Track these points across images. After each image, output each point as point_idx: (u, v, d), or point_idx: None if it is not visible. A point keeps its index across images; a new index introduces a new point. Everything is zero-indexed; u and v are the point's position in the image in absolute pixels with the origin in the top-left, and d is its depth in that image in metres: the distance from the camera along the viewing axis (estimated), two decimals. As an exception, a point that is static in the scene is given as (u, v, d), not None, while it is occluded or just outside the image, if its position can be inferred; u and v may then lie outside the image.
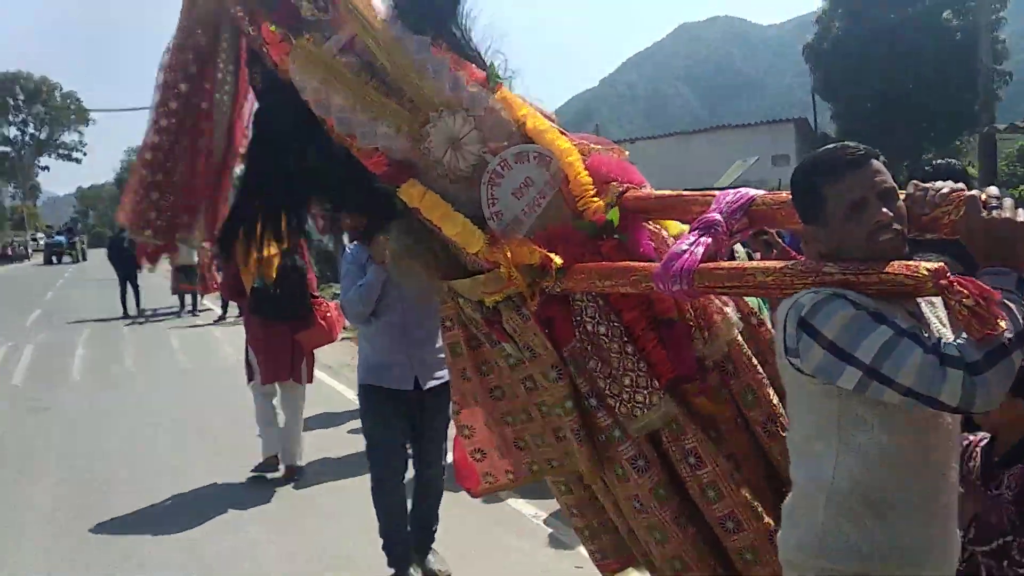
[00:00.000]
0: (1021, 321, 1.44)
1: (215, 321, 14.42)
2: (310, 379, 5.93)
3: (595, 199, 2.33)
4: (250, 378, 5.80)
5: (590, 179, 2.37)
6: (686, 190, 2.48)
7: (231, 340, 11.22)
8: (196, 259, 13.83)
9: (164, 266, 17.69)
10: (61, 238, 40.58)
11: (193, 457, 6.40)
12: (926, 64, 26.77)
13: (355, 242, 4.12)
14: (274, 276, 5.37)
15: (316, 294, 5.81)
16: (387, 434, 4.01)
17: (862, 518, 1.58)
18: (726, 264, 1.87)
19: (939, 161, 2.83)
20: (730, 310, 2.29)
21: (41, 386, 9.48)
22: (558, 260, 2.21)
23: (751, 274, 1.77)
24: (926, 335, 1.50)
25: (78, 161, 65.62)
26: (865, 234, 1.59)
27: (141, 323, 15.10)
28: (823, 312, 1.53)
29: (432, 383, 3.99)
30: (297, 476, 5.65)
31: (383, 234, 2.97)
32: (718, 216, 1.92)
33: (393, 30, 2.38)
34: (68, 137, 64.75)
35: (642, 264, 2.12)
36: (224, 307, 14.53)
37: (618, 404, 2.24)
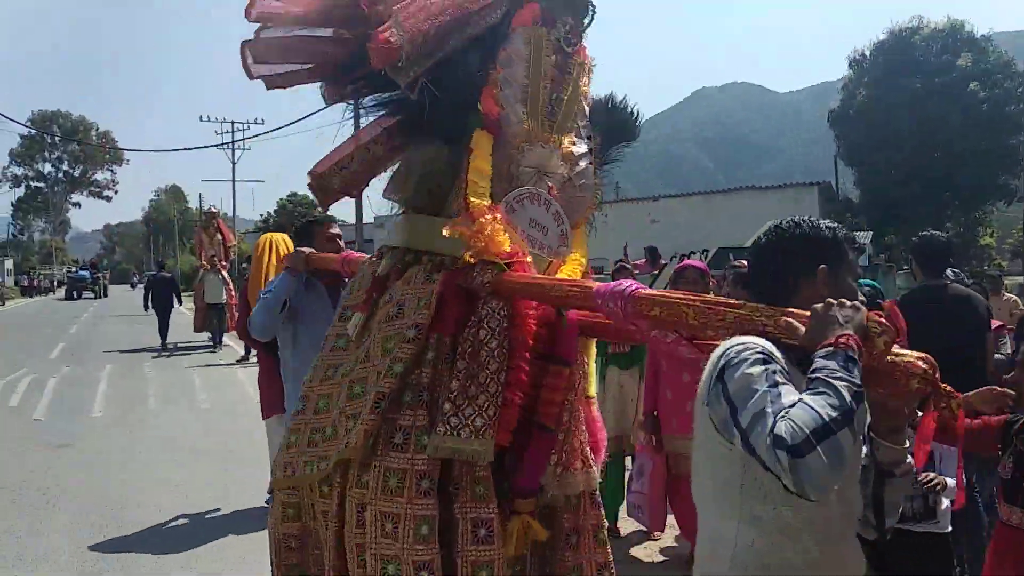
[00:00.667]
0: (848, 399, 1.36)
1: (237, 361, 14.31)
2: None
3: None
4: (266, 414, 5.74)
5: None
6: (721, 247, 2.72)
7: (252, 381, 11.04)
8: (224, 298, 13.84)
9: (189, 303, 17.82)
10: (84, 273, 41.00)
11: (215, 494, 6.28)
12: (951, 133, 26.88)
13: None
14: None
15: None
16: None
17: (777, 544, 1.57)
18: (661, 294, 1.96)
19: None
20: (595, 470, 2.32)
21: (63, 422, 9.33)
22: (502, 264, 2.22)
23: (682, 306, 1.84)
24: (797, 399, 1.41)
25: (108, 199, 66.92)
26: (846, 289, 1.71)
27: (167, 356, 15.28)
28: (737, 367, 1.51)
29: None
30: None
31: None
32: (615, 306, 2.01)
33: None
34: (101, 175, 66.19)
35: (585, 281, 2.27)
36: (247, 349, 14.40)
37: (454, 413, 2.11)
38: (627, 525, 5.62)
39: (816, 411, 1.34)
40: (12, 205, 63.77)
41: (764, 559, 1.56)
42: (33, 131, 58.54)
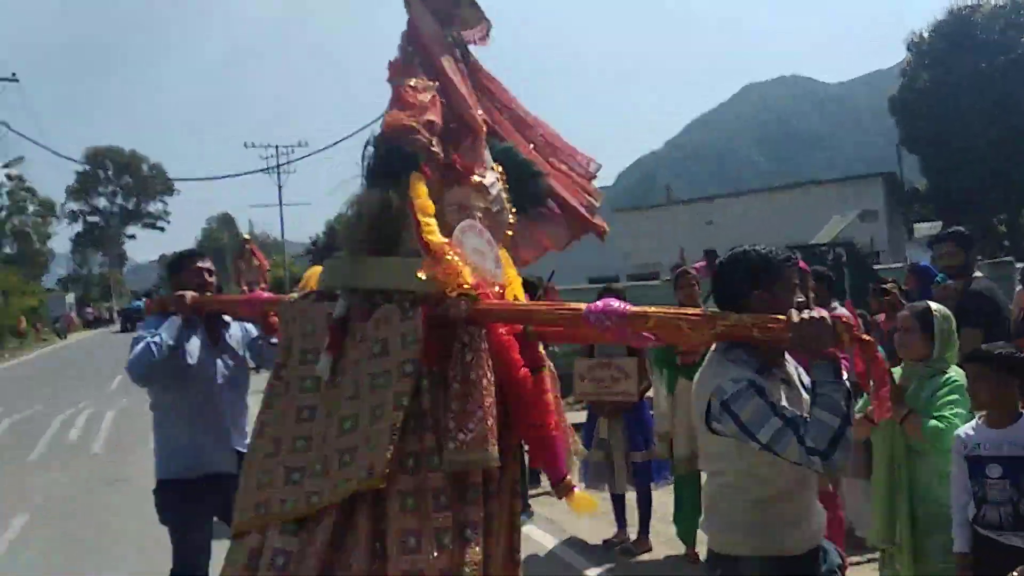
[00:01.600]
0: (843, 406, 2.09)
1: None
2: None
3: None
4: None
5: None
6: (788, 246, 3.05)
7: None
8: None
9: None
10: (139, 304, 42.05)
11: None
12: (1020, 112, 25.59)
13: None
14: None
15: None
16: (199, 538, 3.65)
17: (757, 509, 2.30)
18: (653, 310, 2.29)
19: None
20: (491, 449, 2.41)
21: (118, 456, 9.28)
22: (474, 294, 2.42)
23: (676, 319, 2.26)
24: (797, 414, 2.14)
25: (162, 230, 68.64)
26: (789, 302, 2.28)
27: None
28: (739, 401, 2.15)
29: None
30: None
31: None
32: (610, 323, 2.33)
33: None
34: (154, 207, 67.90)
35: (571, 304, 2.49)
36: None
37: (459, 429, 2.34)
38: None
39: (828, 425, 2.08)
40: (71, 241, 65.73)
41: (759, 503, 2.30)
42: (87, 167, 60.29)
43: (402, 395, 2.36)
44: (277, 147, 41.20)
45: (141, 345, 3.41)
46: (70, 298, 51.29)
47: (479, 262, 2.57)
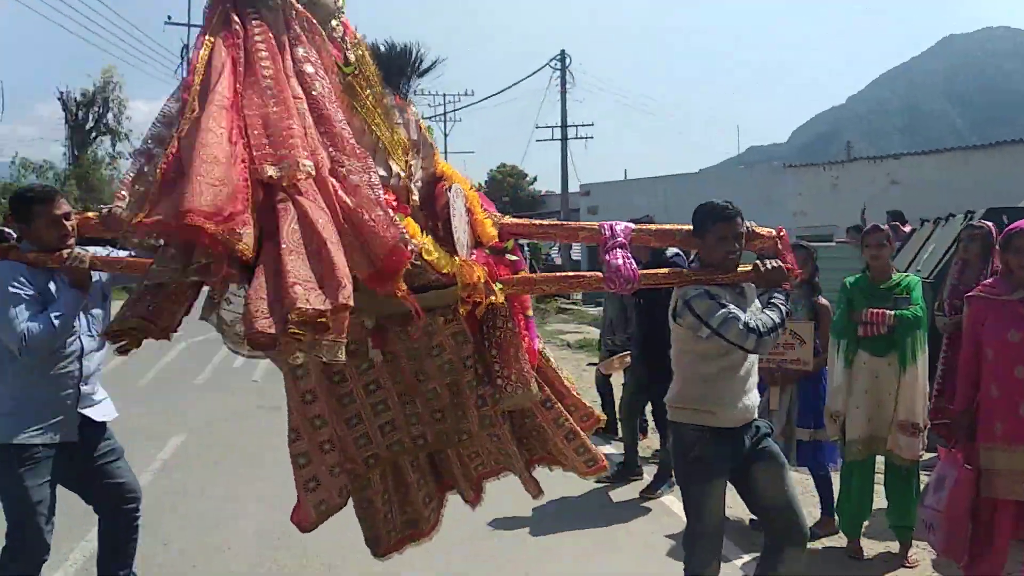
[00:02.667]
0: (783, 313, 3.10)
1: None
2: None
3: (492, 229, 2.97)
4: None
5: (483, 211, 2.98)
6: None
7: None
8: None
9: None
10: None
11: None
12: None
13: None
14: None
15: None
16: (39, 510, 3.16)
17: (700, 385, 3.23)
18: (651, 271, 3.09)
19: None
20: (534, 387, 2.94)
21: (276, 384, 9.56)
22: (497, 287, 2.79)
23: (664, 276, 3.18)
24: (743, 311, 3.09)
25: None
26: (723, 252, 3.09)
27: None
28: (696, 300, 3.05)
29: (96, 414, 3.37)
30: None
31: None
32: (622, 239, 2.94)
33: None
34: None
35: (589, 273, 3.08)
36: None
37: (505, 383, 2.86)
38: (874, 546, 4.59)
39: (772, 319, 3.06)
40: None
41: (702, 374, 3.21)
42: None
43: (472, 381, 3.00)
44: (444, 95, 41.72)
45: (44, 325, 3.07)
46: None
47: (462, 225, 2.81)
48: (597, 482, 5.95)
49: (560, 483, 5.86)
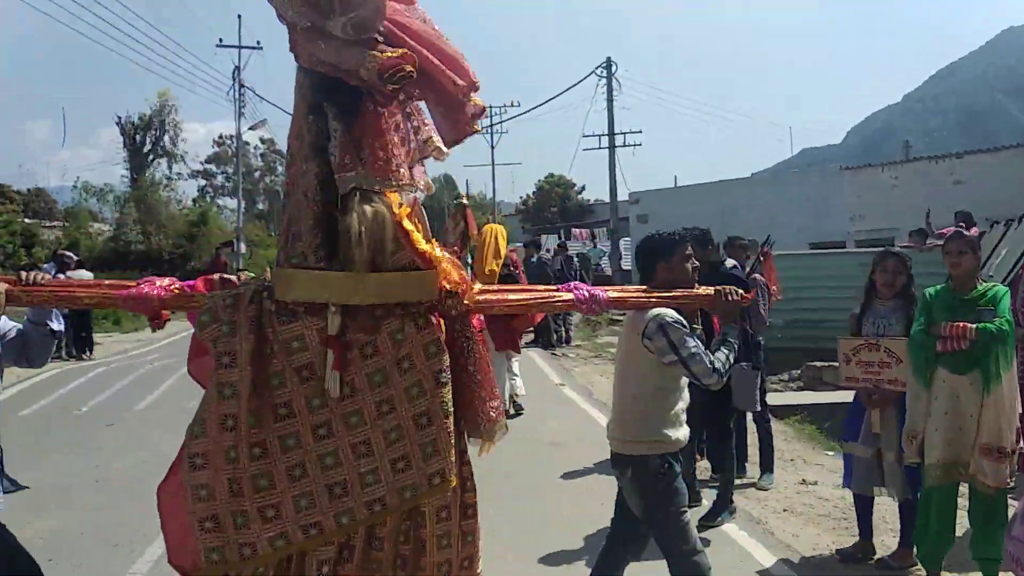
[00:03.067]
0: (735, 352, 3.28)
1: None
2: (517, 349, 8.77)
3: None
4: None
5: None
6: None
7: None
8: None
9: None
10: None
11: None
12: None
13: None
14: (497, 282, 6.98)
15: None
16: None
17: (663, 417, 3.30)
18: (619, 296, 3.09)
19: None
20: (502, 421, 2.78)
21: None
22: (476, 286, 2.76)
23: (633, 296, 3.13)
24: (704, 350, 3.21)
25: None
26: (689, 268, 3.38)
27: None
28: (672, 326, 3.16)
29: None
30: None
31: None
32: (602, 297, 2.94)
33: None
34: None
35: (557, 294, 2.89)
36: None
37: (489, 407, 2.70)
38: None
39: (728, 358, 3.22)
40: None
41: (663, 408, 3.30)
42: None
43: (446, 402, 2.52)
44: (490, 107, 41.74)
45: None
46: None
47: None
48: None
49: (606, 506, 5.59)
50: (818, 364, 10.90)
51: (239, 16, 30.66)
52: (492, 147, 42.32)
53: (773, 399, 9.24)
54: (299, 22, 2.39)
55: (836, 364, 10.51)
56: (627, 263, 27.41)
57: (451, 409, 2.53)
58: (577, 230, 34.25)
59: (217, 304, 2.47)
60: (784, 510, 5.62)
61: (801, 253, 15.41)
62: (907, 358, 4.35)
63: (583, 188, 44.82)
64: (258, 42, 31.26)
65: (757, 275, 6.48)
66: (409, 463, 2.49)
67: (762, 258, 6.55)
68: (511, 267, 9.52)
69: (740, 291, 3.15)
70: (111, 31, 72.47)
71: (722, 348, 3.22)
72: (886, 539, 5.00)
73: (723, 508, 5.34)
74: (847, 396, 6.79)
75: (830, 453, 7.16)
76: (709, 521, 5.29)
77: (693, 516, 5.39)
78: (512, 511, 5.45)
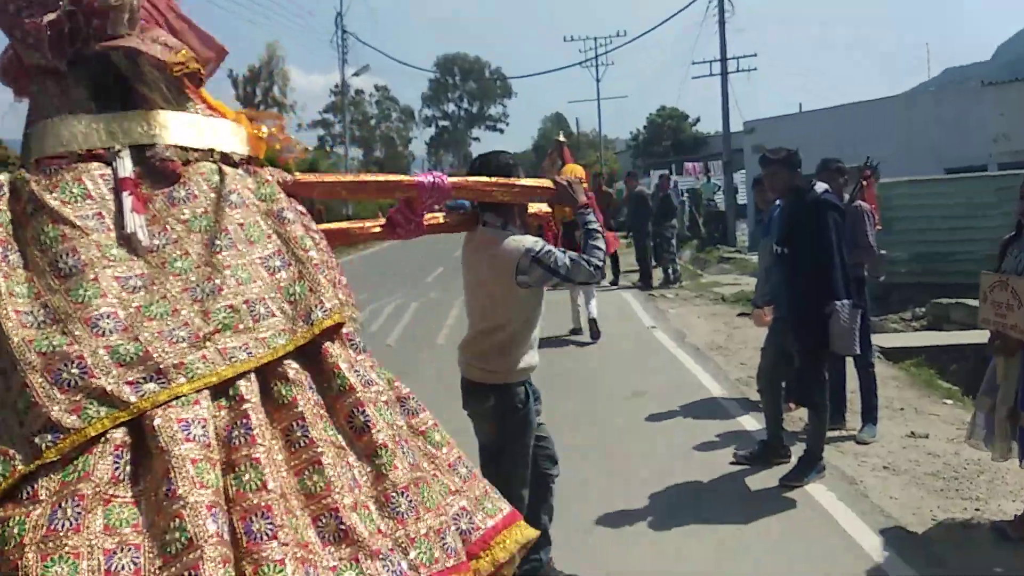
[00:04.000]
0: (602, 240, 3.28)
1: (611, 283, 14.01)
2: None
3: None
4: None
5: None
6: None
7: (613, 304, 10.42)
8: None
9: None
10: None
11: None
12: None
13: None
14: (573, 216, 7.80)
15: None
16: None
17: (525, 350, 3.28)
18: (457, 181, 2.80)
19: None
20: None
21: (409, 348, 9.39)
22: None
23: (469, 185, 2.92)
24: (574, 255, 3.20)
25: (501, 131, 73.01)
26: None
27: None
28: (542, 254, 3.10)
29: None
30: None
31: None
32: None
33: None
34: (494, 110, 72.06)
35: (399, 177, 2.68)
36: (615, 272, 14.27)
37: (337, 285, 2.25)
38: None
39: (601, 248, 3.24)
40: (426, 144, 72.11)
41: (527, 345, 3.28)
42: (437, 75, 65.62)
43: (304, 237, 2.10)
44: (596, 39, 40.30)
45: None
46: (424, 196, 56.33)
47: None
48: (732, 463, 5.14)
49: (685, 464, 5.11)
50: (944, 301, 9.79)
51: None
52: (597, 80, 40.93)
53: (888, 340, 8.37)
54: None
55: (965, 301, 9.47)
56: (742, 197, 25.98)
57: (319, 240, 2.14)
58: (689, 164, 32.77)
59: None
60: (884, 467, 4.96)
61: (927, 179, 13.95)
62: None
63: (698, 120, 42.85)
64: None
65: (861, 202, 5.71)
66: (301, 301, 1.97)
67: (863, 183, 5.76)
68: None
69: (578, 177, 3.35)
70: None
71: (590, 241, 3.23)
72: (1004, 504, 4.31)
73: (811, 465, 4.75)
74: (978, 336, 5.97)
75: (948, 402, 6.35)
76: (793, 480, 4.71)
77: (776, 472, 4.90)
78: (581, 465, 5.11)
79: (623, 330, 10.00)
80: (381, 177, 2.74)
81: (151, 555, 1.49)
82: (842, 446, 5.35)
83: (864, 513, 4.30)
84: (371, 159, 57.34)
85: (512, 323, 3.23)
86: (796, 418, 5.85)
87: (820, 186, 4.86)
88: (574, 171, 9.23)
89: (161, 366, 1.70)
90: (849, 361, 5.59)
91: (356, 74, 30.95)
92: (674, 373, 7.69)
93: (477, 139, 73.85)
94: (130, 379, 1.68)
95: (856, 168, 6.06)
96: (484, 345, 3.28)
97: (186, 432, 1.62)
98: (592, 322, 9.29)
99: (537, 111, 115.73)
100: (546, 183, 3.17)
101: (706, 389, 6.98)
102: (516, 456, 3.30)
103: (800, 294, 4.68)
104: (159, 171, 2.08)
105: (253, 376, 1.80)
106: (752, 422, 5.97)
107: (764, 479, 4.86)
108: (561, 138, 15.71)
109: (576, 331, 9.60)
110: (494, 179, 2.94)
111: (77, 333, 1.72)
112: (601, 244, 3.24)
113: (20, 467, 1.55)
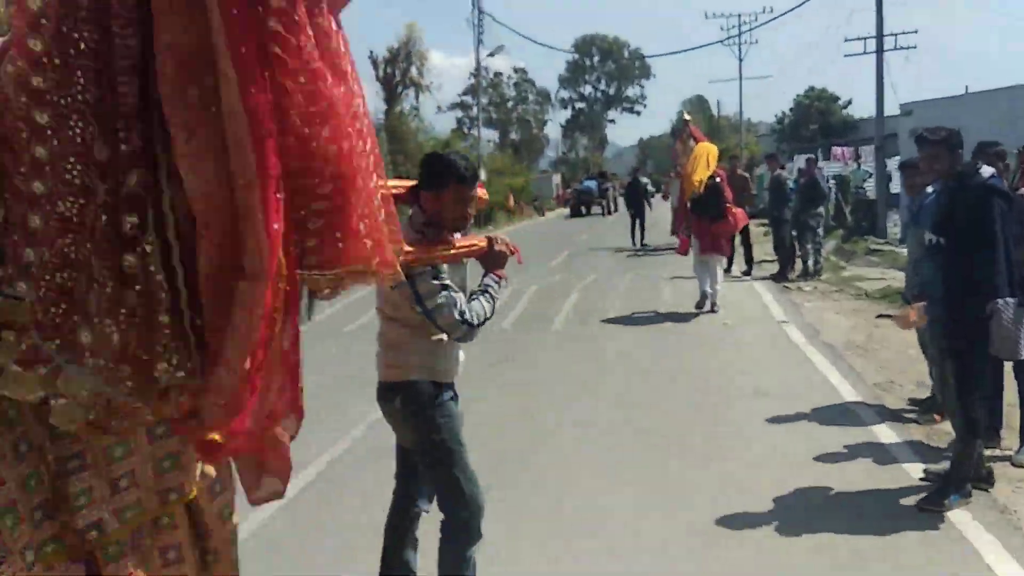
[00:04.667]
0: (495, 305, 3.02)
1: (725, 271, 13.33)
2: (726, 253, 10.87)
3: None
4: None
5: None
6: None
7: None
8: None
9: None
10: (591, 183, 35.98)
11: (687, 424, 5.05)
12: None
13: None
14: (703, 190, 9.57)
15: (728, 203, 9.99)
16: None
17: (431, 350, 3.04)
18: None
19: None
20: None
21: (524, 333, 9.28)
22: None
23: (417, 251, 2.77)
24: (458, 298, 2.91)
25: (638, 114, 71.99)
26: (461, 212, 3.01)
27: (639, 255, 17.31)
28: (421, 279, 2.85)
29: None
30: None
31: None
32: None
33: None
34: (632, 91, 70.98)
35: None
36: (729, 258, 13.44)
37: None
38: None
39: (485, 311, 2.94)
40: (562, 126, 71.68)
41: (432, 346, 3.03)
42: (575, 56, 65.26)
43: None
44: (739, 15, 38.65)
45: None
46: (556, 179, 55.94)
47: None
48: (921, 479, 4.54)
49: (802, 474, 4.65)
50: None
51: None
52: (740, 59, 39.23)
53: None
54: None
55: None
56: (896, 186, 24.22)
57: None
58: (838, 149, 30.83)
59: None
60: (1048, 496, 4.29)
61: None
62: None
63: (849, 102, 40.31)
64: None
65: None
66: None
67: (1025, 168, 5.04)
68: (716, 178, 10.16)
69: (508, 241, 3.05)
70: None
71: (480, 298, 2.99)
72: None
73: (954, 487, 4.16)
74: None
75: None
76: (932, 504, 4.14)
77: (909, 494, 4.31)
78: (694, 469, 4.79)
79: (750, 322, 9.42)
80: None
81: None
82: (995, 468, 4.68)
83: (1015, 549, 3.70)
84: (507, 142, 57.72)
85: (407, 326, 3.06)
86: (943, 431, 5.21)
87: (987, 170, 4.26)
88: (708, 150, 10.01)
89: None
90: (1008, 371, 4.91)
91: (491, 55, 31.16)
92: (803, 373, 7.09)
93: (612, 121, 72.96)
94: None
95: (1018, 153, 5.32)
96: (389, 344, 3.16)
97: None
98: (705, 295, 9.84)
99: (676, 93, 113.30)
100: (479, 245, 3.02)
101: (837, 393, 6.38)
102: (434, 456, 3.12)
103: (956, 289, 4.12)
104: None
105: None
106: (889, 433, 5.37)
107: (896, 500, 4.32)
108: (686, 116, 15.15)
109: (700, 304, 9.88)
110: (433, 250, 2.85)
111: None
112: (486, 308, 2.98)
113: None
